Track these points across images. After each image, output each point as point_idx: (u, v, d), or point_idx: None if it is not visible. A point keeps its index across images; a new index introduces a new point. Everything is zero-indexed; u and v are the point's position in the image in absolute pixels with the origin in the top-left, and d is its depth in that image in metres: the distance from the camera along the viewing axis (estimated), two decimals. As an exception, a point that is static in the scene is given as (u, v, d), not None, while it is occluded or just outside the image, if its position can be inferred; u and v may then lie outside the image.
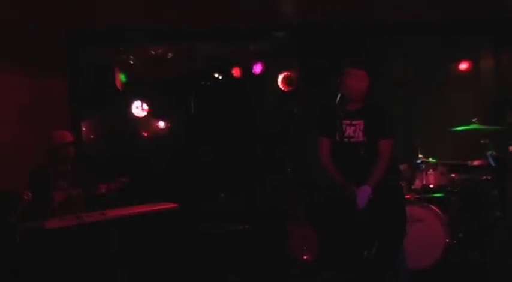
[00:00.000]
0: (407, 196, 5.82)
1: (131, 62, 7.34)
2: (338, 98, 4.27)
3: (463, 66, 7.18)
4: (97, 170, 5.49)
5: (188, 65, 7.45)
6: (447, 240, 5.49)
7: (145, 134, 7.84)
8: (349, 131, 4.23)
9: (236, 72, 7.46)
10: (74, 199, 4.83)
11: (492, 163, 5.66)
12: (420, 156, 6.03)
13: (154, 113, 7.62)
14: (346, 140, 4.22)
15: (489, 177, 5.76)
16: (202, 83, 7.66)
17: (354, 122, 4.22)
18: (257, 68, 7.41)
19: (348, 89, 4.19)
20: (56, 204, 4.73)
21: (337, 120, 4.22)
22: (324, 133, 4.36)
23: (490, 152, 5.65)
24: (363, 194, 4.10)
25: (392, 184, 4.40)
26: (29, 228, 4.17)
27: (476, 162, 5.90)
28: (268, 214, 6.64)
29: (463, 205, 5.95)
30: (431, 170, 5.95)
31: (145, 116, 7.55)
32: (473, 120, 5.73)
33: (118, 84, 7.24)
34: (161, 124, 7.90)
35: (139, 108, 7.48)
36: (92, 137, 7.24)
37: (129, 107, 7.42)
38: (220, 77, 7.60)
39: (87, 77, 6.80)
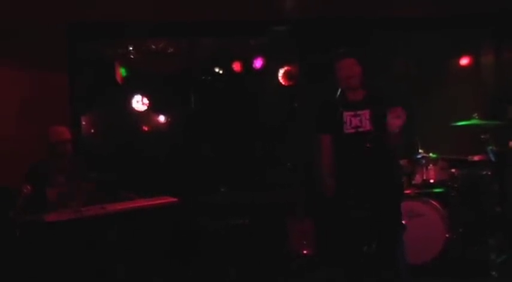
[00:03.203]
0: (408, 191, 5.82)
1: (131, 56, 7.34)
2: (339, 92, 4.30)
3: (464, 61, 7.18)
4: (95, 163, 5.50)
5: (188, 59, 7.45)
6: (447, 235, 5.49)
7: (146, 128, 7.85)
8: (355, 121, 4.19)
9: (236, 66, 7.45)
10: (71, 194, 4.82)
11: (492, 158, 5.65)
12: (420, 151, 6.03)
13: (154, 107, 7.62)
14: (353, 130, 4.19)
15: (489, 173, 5.75)
16: (203, 77, 7.66)
17: (358, 113, 4.19)
18: (257, 63, 7.40)
19: (342, 80, 4.23)
20: (53, 200, 4.72)
21: (338, 113, 4.21)
22: (327, 130, 4.34)
23: (490, 147, 5.64)
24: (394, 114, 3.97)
25: (394, 177, 4.41)
26: (29, 222, 4.16)
27: (476, 158, 5.89)
28: (268, 209, 6.64)
29: (463, 200, 5.95)
30: (431, 165, 5.95)
31: (145, 110, 7.55)
32: (474, 115, 5.72)
33: (118, 79, 7.24)
34: (161, 118, 7.91)
35: (139, 103, 7.49)
36: (92, 131, 7.24)
37: (129, 101, 7.42)
38: (221, 72, 7.60)
39: (87, 71, 6.79)
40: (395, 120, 3.91)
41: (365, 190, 4.18)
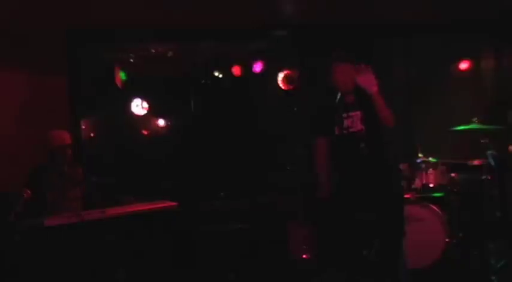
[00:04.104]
0: (407, 195, 5.82)
1: (131, 60, 7.34)
2: (339, 95, 4.34)
3: (464, 65, 7.19)
4: (95, 167, 5.50)
5: (188, 63, 7.45)
6: (447, 240, 5.48)
7: (145, 132, 7.84)
8: (347, 122, 4.27)
9: (236, 70, 7.44)
10: (71, 199, 4.81)
11: (492, 163, 5.66)
12: (420, 155, 6.03)
13: (154, 111, 7.62)
14: (345, 131, 4.25)
15: (489, 177, 5.76)
16: (202, 81, 7.66)
17: (351, 114, 4.27)
18: (257, 67, 7.40)
19: (337, 84, 4.27)
20: (52, 204, 4.71)
21: (335, 115, 4.27)
22: (321, 132, 4.40)
23: (490, 151, 5.65)
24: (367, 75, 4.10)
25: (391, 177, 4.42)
26: (28, 226, 4.15)
27: (476, 162, 5.89)
28: (268, 213, 6.63)
29: (463, 204, 5.95)
30: (431, 170, 5.95)
31: (145, 114, 7.54)
32: (473, 120, 5.72)
33: (118, 82, 7.23)
34: (161, 122, 7.91)
35: (139, 106, 7.48)
36: (91, 135, 7.23)
37: (129, 105, 7.42)
38: (220, 76, 7.60)
39: (87, 74, 6.79)
40: (365, 78, 4.05)
41: (362, 190, 4.21)
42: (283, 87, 7.38)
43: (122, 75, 7.31)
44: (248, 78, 7.47)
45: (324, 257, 5.92)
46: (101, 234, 4.40)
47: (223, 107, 7.50)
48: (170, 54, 7.36)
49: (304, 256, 6.05)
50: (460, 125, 5.82)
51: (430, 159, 6.01)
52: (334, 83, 4.33)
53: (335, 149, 4.38)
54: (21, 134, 6.06)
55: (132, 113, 7.48)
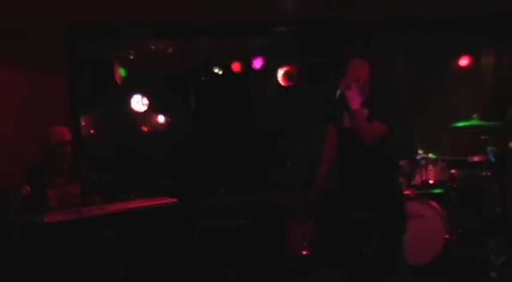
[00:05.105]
0: (407, 192, 5.82)
1: (131, 56, 7.34)
2: (338, 93, 4.30)
3: (464, 62, 7.18)
4: (95, 164, 5.50)
5: (188, 59, 7.45)
6: (447, 236, 5.49)
7: (145, 129, 7.85)
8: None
9: (236, 67, 7.44)
10: (71, 195, 4.81)
11: (492, 159, 5.65)
12: (420, 152, 6.03)
13: (154, 108, 7.62)
14: (345, 127, 4.23)
15: (489, 173, 5.76)
16: (202, 78, 7.66)
17: None
18: (257, 63, 7.40)
19: (349, 79, 4.20)
20: (52, 202, 4.71)
21: (336, 111, 4.25)
22: (332, 121, 4.38)
23: (490, 148, 5.64)
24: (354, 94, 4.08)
25: (392, 181, 4.40)
26: (28, 222, 4.16)
27: (476, 158, 5.89)
28: (268, 210, 6.63)
29: (463, 201, 5.96)
30: (431, 166, 5.95)
31: (145, 110, 7.55)
32: (473, 116, 5.72)
33: (118, 79, 7.24)
34: (161, 119, 7.91)
35: (139, 103, 7.48)
36: (91, 131, 7.23)
37: (129, 101, 7.42)
38: (220, 72, 7.60)
39: (86, 71, 6.78)
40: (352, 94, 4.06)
41: (361, 188, 4.20)
42: (283, 84, 7.38)
43: (121, 72, 7.32)
44: (248, 75, 7.47)
45: (323, 254, 5.93)
46: (101, 231, 4.40)
47: (223, 103, 7.50)
48: (170, 50, 7.36)
49: (303, 252, 6.05)
50: (460, 121, 5.82)
51: (430, 155, 6.01)
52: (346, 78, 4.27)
53: (340, 142, 4.37)
54: (22, 133, 6.05)
55: (132, 110, 7.48)
